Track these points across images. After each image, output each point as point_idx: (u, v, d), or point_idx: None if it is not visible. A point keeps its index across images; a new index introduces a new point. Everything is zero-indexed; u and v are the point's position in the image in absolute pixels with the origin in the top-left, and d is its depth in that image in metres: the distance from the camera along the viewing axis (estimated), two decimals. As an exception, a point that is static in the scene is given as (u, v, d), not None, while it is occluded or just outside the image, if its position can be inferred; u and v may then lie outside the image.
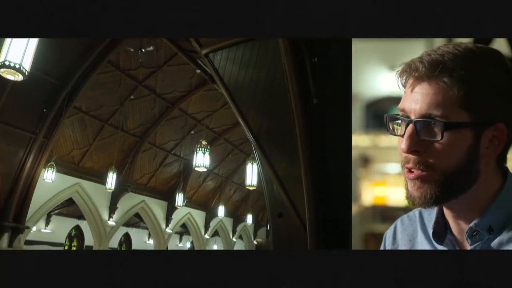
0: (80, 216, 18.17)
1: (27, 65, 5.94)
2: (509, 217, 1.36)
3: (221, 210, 20.74)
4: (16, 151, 11.68)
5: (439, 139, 1.31)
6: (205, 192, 22.13)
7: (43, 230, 19.56)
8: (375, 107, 4.83)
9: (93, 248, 16.97)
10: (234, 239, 27.49)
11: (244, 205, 25.35)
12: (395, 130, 1.46)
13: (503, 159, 1.43)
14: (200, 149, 10.44)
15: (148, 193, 18.66)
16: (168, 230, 20.31)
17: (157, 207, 19.55)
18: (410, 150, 1.36)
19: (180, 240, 30.28)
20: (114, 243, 22.86)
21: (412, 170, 1.38)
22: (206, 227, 23.69)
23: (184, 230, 25.92)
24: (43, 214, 14.59)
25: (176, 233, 24.98)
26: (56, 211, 19.12)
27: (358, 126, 4.76)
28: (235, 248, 28.12)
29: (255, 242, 30.05)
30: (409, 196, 1.40)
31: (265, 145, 3.66)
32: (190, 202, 21.18)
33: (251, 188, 11.13)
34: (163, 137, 16.78)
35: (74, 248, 22.07)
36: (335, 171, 3.44)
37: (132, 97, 14.09)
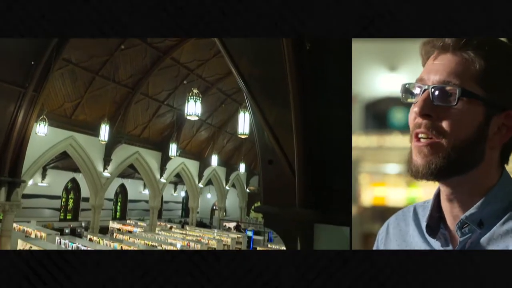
0: (76, 169, 18.18)
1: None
2: (500, 213, 1.36)
3: (214, 160, 20.86)
4: (7, 105, 11.44)
5: (454, 104, 1.33)
6: (199, 142, 22.14)
7: (39, 184, 19.64)
8: (375, 107, 4.80)
9: (90, 200, 17.08)
10: (227, 188, 27.94)
11: (237, 154, 25.53)
12: (409, 101, 1.46)
13: (508, 153, 1.44)
14: (192, 97, 10.26)
15: (141, 144, 18.60)
16: (163, 180, 20.49)
17: (151, 158, 19.59)
18: (423, 113, 1.37)
19: (175, 190, 30.71)
20: (110, 194, 23.12)
21: (422, 137, 1.39)
22: (200, 176, 23.97)
23: (178, 179, 26.22)
24: (38, 168, 14.51)
25: (170, 182, 25.28)
26: (52, 164, 19.11)
27: (358, 127, 4.75)
28: (228, 196, 28.62)
29: (247, 190, 30.62)
30: (412, 166, 1.41)
31: (256, 92, 3.58)
32: (183, 152, 21.24)
33: (243, 137, 11.13)
34: (156, 88, 16.48)
35: (71, 201, 22.29)
36: (326, 119, 3.39)
37: (122, 47, 13.65)
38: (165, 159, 20.01)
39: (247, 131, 10.55)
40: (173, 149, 17.67)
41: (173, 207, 30.86)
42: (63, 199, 21.70)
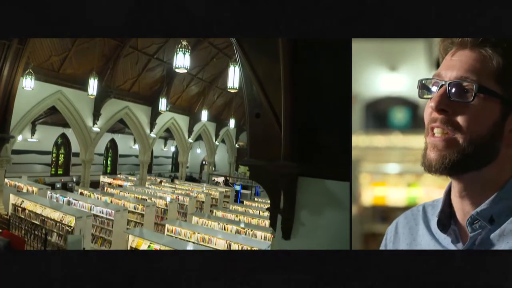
0: (65, 124, 17.94)
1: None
2: (511, 209, 1.37)
3: (204, 115, 20.71)
4: (-9, 59, 11.10)
5: (470, 100, 1.33)
6: (189, 97, 21.92)
7: (29, 140, 19.45)
8: (375, 107, 4.74)
9: (80, 155, 17.03)
10: (217, 143, 28.02)
11: (227, 109, 25.42)
12: (425, 96, 1.47)
13: None
14: (181, 49, 9.99)
15: (131, 99, 18.36)
16: (153, 135, 20.44)
17: (141, 113, 19.43)
18: (439, 108, 1.37)
19: (165, 145, 30.70)
20: (100, 149, 23.05)
21: (437, 132, 1.39)
22: (190, 132, 23.95)
23: (168, 134, 26.17)
24: (27, 123, 14.31)
25: (160, 137, 25.22)
26: (41, 120, 18.85)
27: (358, 127, 4.70)
28: (217, 151, 28.77)
29: (237, 146, 30.76)
30: (426, 160, 1.42)
31: (245, 44, 3.53)
32: (173, 107, 21.07)
33: (232, 91, 11.03)
34: (145, 41, 16.04)
35: (62, 156, 22.20)
36: (316, 73, 3.38)
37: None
38: (155, 114, 19.88)
39: (236, 85, 10.45)
40: (163, 103, 17.49)
41: (163, 162, 30.97)
42: (54, 154, 21.59)
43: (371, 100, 4.70)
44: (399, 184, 4.62)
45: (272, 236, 10.11)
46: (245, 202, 20.06)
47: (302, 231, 3.65)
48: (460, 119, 1.35)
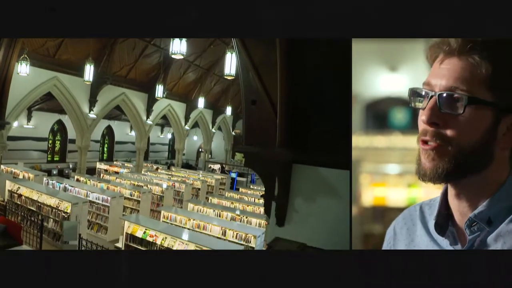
0: (61, 111, 17.84)
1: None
2: (509, 210, 1.37)
3: (201, 102, 20.63)
4: (-15, 44, 10.99)
5: (461, 112, 1.33)
6: (186, 83, 21.84)
7: (25, 126, 19.38)
8: (375, 108, 4.73)
9: (76, 142, 16.99)
10: (213, 130, 28.00)
11: (224, 97, 25.35)
12: (417, 105, 1.45)
13: None
14: (177, 35, 9.96)
15: (128, 85, 18.27)
16: (149, 122, 20.39)
17: (137, 99, 19.36)
18: (430, 121, 1.38)
19: (162, 132, 30.67)
20: (97, 135, 23.01)
21: (428, 142, 1.39)
22: (187, 119, 23.91)
23: (165, 121, 26.13)
24: (22, 109, 14.22)
25: (157, 124, 25.20)
26: (37, 106, 18.76)
27: (358, 127, 4.68)
28: (214, 138, 28.76)
29: (233, 133, 30.76)
30: (421, 169, 1.42)
31: None
32: (170, 94, 21.00)
33: (229, 78, 10.96)
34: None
35: (58, 142, 22.15)
36: (312, 58, 3.39)
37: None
38: (151, 101, 19.81)
39: (233, 72, 10.40)
40: (159, 90, 17.41)
41: (159, 149, 30.97)
42: (50, 141, 21.55)
43: (371, 100, 4.70)
44: (399, 184, 4.64)
45: (266, 223, 10.17)
46: (240, 189, 20.16)
47: (296, 218, 3.69)
48: (450, 132, 1.36)
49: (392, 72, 4.56)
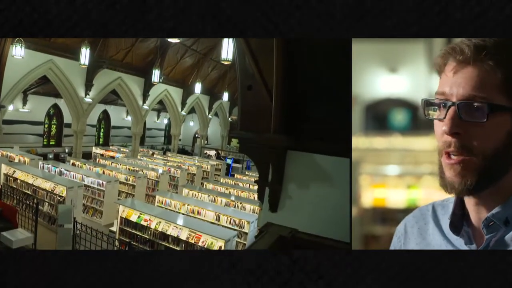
0: (57, 95, 17.73)
1: None
2: None
3: (198, 87, 20.53)
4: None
5: (484, 120, 1.32)
6: (183, 69, 21.71)
7: (21, 110, 19.26)
8: (375, 109, 4.72)
9: (72, 126, 16.92)
10: (210, 116, 27.94)
11: (221, 83, 25.25)
12: (431, 115, 1.45)
13: None
14: (174, 18, 9.90)
15: (124, 70, 18.13)
16: (145, 107, 20.33)
17: (133, 84, 19.25)
18: (452, 131, 1.37)
19: (158, 117, 30.60)
20: (93, 120, 22.93)
21: (453, 155, 1.39)
22: (183, 104, 23.83)
23: (161, 107, 26.05)
24: (18, 92, 14.14)
25: (153, 109, 25.11)
26: (32, 90, 18.63)
27: (358, 128, 4.67)
28: (210, 124, 28.71)
29: (230, 120, 30.70)
30: (447, 182, 1.41)
31: None
32: (167, 79, 20.91)
33: (226, 63, 10.96)
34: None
35: (54, 126, 22.07)
36: (310, 45, 3.39)
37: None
38: (148, 86, 19.71)
39: (230, 57, 10.37)
40: (156, 75, 17.34)
41: (155, 134, 30.93)
42: (46, 125, 21.46)
43: (371, 101, 4.70)
44: (399, 185, 4.66)
45: (259, 208, 10.23)
46: (236, 175, 20.22)
47: (289, 204, 3.72)
48: (474, 140, 1.35)
49: (392, 74, 4.56)
